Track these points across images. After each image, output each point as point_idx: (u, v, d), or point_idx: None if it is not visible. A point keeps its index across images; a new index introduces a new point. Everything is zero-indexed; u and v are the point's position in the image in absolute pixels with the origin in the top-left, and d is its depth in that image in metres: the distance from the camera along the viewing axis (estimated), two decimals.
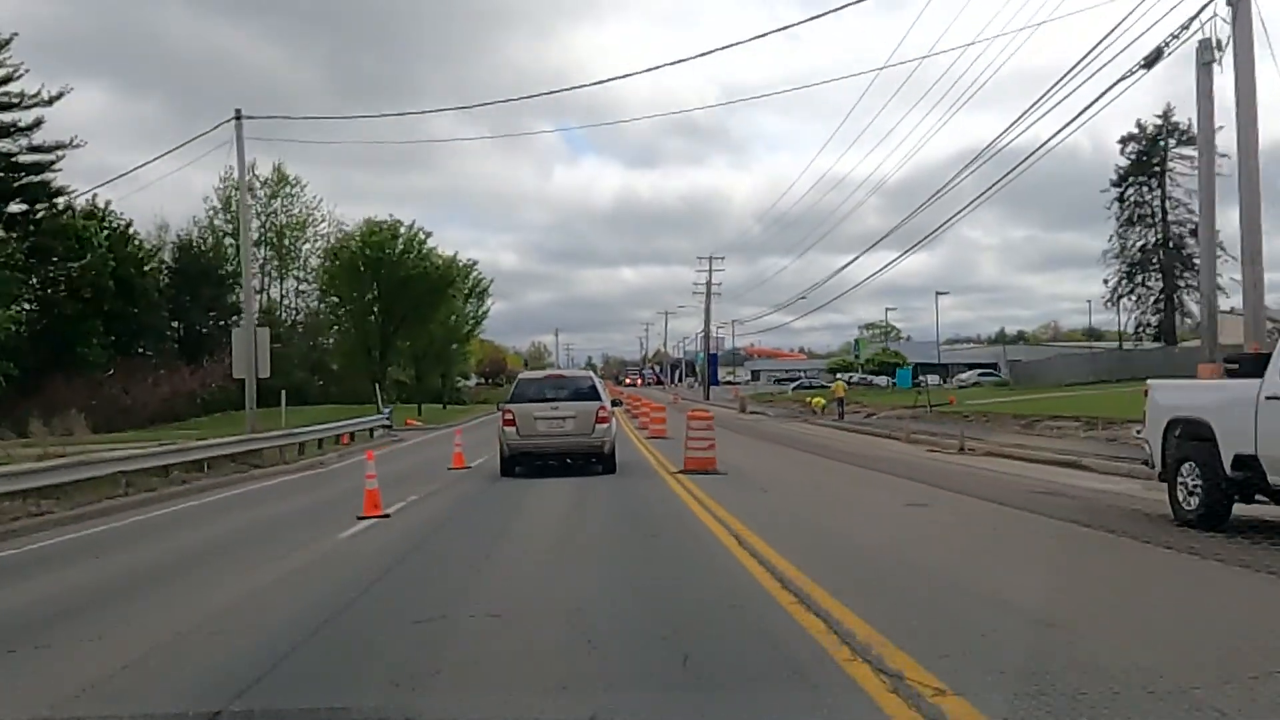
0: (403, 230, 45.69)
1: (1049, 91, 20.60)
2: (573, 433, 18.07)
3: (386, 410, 35.39)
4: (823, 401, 45.26)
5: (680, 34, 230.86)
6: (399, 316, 46.02)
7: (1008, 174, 25.08)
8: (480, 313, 65.07)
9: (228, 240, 72.61)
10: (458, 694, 5.27)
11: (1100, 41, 18.25)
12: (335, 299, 46.20)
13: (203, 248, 69.15)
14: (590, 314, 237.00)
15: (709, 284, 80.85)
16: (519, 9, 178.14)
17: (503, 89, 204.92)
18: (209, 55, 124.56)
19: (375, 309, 45.93)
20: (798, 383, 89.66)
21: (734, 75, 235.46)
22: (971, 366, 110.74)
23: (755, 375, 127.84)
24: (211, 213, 72.14)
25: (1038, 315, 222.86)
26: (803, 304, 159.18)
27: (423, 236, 46.24)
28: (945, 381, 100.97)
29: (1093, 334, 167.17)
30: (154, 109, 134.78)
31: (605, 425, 18.19)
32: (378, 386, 36.10)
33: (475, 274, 64.67)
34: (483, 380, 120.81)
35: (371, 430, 33.55)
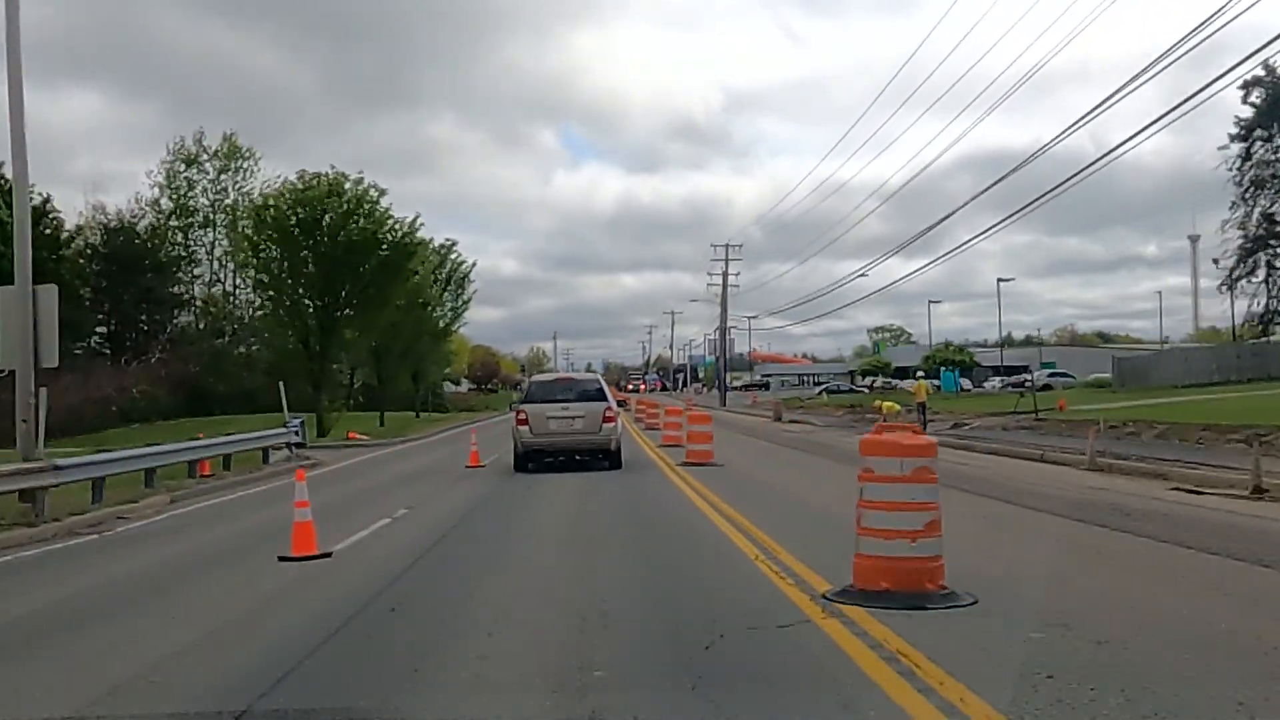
0: (348, 186, 34.31)
1: (1100, 105, 18.93)
2: (581, 431, 18.44)
3: (295, 422, 23.72)
4: (896, 408, 33.71)
5: (683, 36, 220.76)
6: (344, 297, 34.41)
7: (1046, 193, 22.73)
8: (461, 303, 53.75)
9: (173, 222, 61.10)
10: None
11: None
12: (261, 276, 34.79)
13: (137, 229, 57.41)
14: (590, 320, 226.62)
15: (725, 275, 69.31)
16: (519, 11, 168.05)
17: (502, 91, 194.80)
18: (206, 59, 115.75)
19: (312, 290, 34.34)
20: (824, 387, 78.29)
21: (737, 78, 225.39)
22: (995, 370, 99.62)
23: (766, 380, 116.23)
24: (156, 189, 60.45)
25: (1039, 320, 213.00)
26: (805, 310, 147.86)
27: (374, 195, 34.87)
28: (975, 384, 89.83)
29: (1104, 337, 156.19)
30: (151, 113, 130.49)
31: (612, 424, 18.58)
32: (284, 388, 24.42)
33: (455, 257, 53.29)
34: (475, 386, 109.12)
35: (266, 451, 21.87)
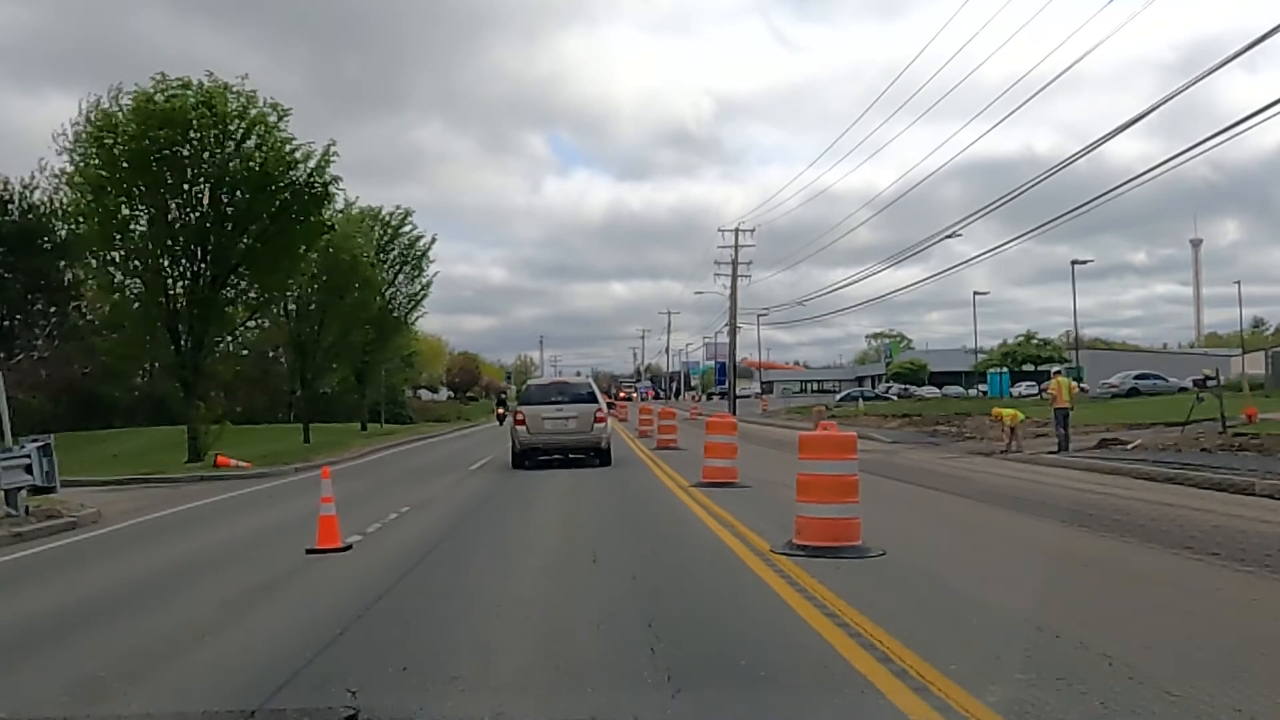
0: (233, 99, 23.24)
1: (1117, 129, 18.70)
2: (575, 431, 18.82)
3: (31, 446, 12.47)
4: (1020, 417, 22.71)
5: (673, 40, 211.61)
6: (225, 257, 23.26)
7: (1061, 216, 22.75)
8: (420, 287, 42.29)
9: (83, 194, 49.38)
10: None
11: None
12: (106, 226, 23.60)
13: (27, 202, 45.80)
14: (579, 329, 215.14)
15: (734, 263, 58.20)
16: (506, 14, 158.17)
17: (490, 95, 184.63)
18: (192, 61, 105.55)
19: (180, 250, 23.26)
20: (845, 394, 67.55)
21: (728, 84, 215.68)
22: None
23: (768, 386, 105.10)
24: (63, 153, 48.59)
25: (1028, 328, 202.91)
26: (795, 318, 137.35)
27: (270, 113, 23.71)
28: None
29: (1105, 344, 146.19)
30: None
31: (602, 425, 19.08)
32: (1, 384, 13.13)
33: (410, 230, 41.92)
34: (453, 394, 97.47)
35: None
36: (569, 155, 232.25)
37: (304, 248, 24.62)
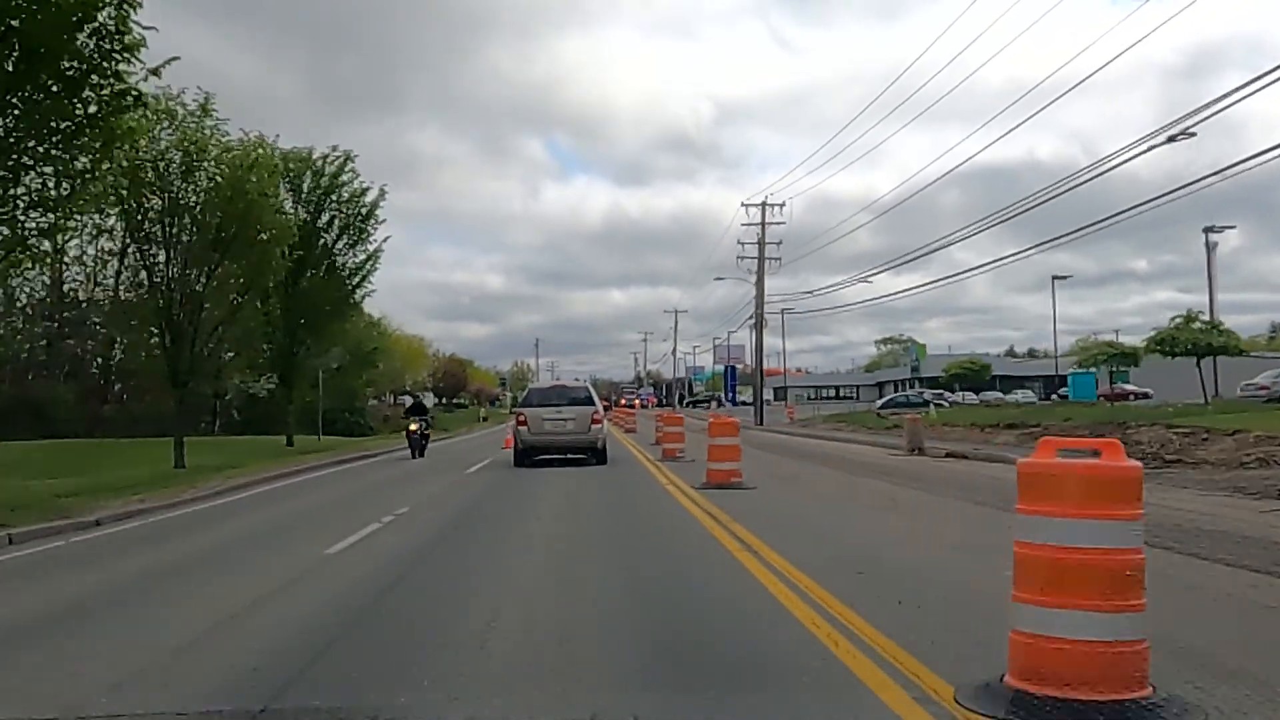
0: None
1: (1130, 147, 19.04)
2: (573, 431, 19.72)
3: None
4: None
5: (672, 43, 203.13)
6: None
7: (1087, 226, 22.73)
8: (367, 258, 31.19)
9: None
10: None
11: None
12: None
13: None
14: (576, 335, 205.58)
15: (761, 244, 47.52)
16: (503, 15, 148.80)
17: (487, 98, 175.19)
18: (188, 61, 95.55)
19: None
20: (887, 399, 57.19)
21: (728, 88, 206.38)
22: (1032, 381, 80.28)
23: (782, 393, 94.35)
24: None
25: (1028, 336, 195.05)
26: (795, 325, 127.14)
27: None
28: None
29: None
30: None
31: (599, 426, 20.05)
32: None
33: (350, 177, 30.91)
34: (440, 400, 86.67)
35: None
36: (567, 160, 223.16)
37: (92, 136, 13.74)
